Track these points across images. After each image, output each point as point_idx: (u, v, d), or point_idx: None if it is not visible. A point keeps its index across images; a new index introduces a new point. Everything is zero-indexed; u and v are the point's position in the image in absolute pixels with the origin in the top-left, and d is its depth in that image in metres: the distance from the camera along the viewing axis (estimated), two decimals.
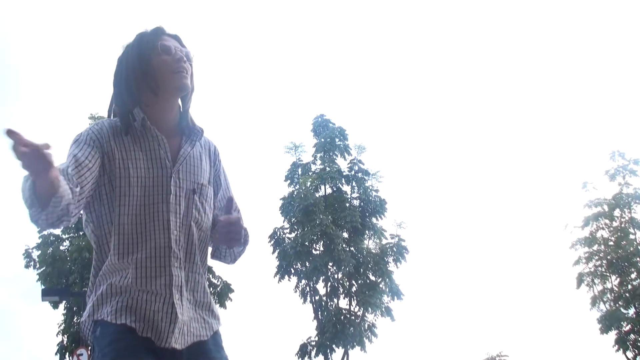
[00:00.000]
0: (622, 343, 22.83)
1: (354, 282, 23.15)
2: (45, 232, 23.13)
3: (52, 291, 18.31)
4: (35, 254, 22.76)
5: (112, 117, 2.46)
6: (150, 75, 2.36)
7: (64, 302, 21.86)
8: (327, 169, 23.68)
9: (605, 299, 23.85)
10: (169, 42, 2.42)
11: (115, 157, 2.29)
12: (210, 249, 2.54)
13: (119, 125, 2.36)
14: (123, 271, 2.23)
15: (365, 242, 23.52)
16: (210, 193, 2.46)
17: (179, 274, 2.28)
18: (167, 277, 2.24)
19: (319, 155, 24.18)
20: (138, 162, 2.31)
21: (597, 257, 24.29)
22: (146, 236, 2.25)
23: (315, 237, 22.66)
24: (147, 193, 2.29)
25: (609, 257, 23.89)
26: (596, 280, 24.19)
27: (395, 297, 22.71)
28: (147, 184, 2.30)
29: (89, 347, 2.44)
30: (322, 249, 22.82)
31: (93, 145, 2.27)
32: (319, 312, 22.71)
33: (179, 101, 2.47)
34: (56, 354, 22.73)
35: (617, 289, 23.82)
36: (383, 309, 22.60)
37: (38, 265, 22.56)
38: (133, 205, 2.27)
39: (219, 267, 24.26)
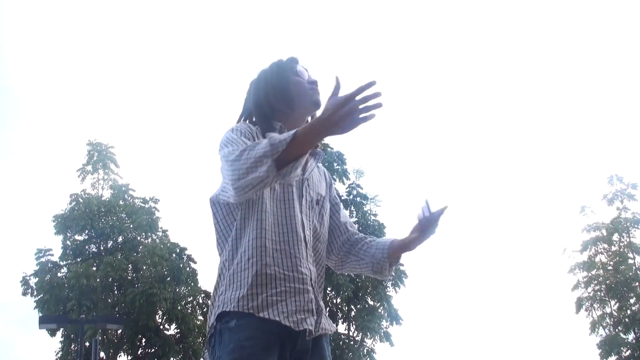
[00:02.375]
0: None
1: (352, 307, 23.10)
2: (43, 259, 23.10)
3: (50, 318, 18.18)
4: (33, 281, 22.71)
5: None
6: (287, 92, 2.62)
7: (61, 329, 21.78)
8: None
9: (604, 324, 23.77)
10: (302, 69, 2.70)
11: None
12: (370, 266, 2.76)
13: (259, 130, 2.54)
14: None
15: None
16: (328, 207, 2.69)
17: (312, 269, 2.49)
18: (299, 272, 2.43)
19: None
20: None
21: (596, 282, 24.24)
22: (285, 232, 2.43)
23: None
24: (285, 190, 2.48)
25: (607, 282, 23.85)
26: (595, 305, 24.13)
27: (394, 322, 22.65)
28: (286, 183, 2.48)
29: None
30: None
31: (250, 139, 2.42)
32: None
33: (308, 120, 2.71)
34: None
35: (616, 314, 23.74)
36: (382, 334, 22.52)
37: (35, 293, 22.49)
38: (273, 197, 2.45)
39: None
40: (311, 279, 2.43)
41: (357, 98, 2.10)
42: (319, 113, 2.48)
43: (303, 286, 2.37)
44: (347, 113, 2.09)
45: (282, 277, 2.34)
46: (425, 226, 2.71)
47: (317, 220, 2.58)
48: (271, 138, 2.17)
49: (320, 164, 2.73)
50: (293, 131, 2.16)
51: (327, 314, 2.51)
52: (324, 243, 2.61)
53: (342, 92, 2.14)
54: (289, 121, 2.61)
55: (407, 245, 2.75)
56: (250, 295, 2.28)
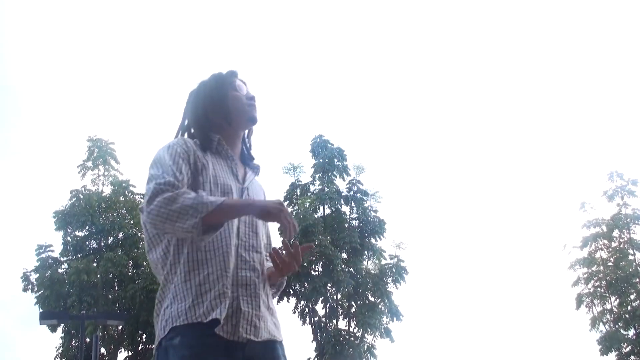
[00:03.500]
0: None
1: (353, 303, 23.09)
2: (43, 255, 23.12)
3: (50, 314, 18.21)
4: (34, 277, 22.71)
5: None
6: (225, 106, 2.70)
7: (62, 325, 21.79)
8: (326, 189, 23.70)
9: (604, 320, 23.78)
10: (240, 83, 2.79)
11: (199, 163, 2.53)
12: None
13: (196, 142, 2.62)
14: None
15: (365, 262, 23.49)
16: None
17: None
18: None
19: (317, 175, 24.20)
20: (218, 172, 2.58)
21: (596, 278, 24.25)
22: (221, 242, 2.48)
23: (314, 258, 22.63)
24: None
25: (608, 278, 23.85)
26: (596, 301, 24.14)
27: (395, 318, 22.64)
28: (226, 190, 2.55)
29: None
30: (321, 269, 22.78)
31: (185, 160, 2.51)
32: (318, 334, 22.62)
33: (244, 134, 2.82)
34: None
35: (616, 310, 23.75)
36: (382, 330, 22.52)
37: (36, 289, 22.50)
38: None
39: None
40: (247, 285, 2.47)
41: (287, 218, 2.38)
42: (254, 128, 2.80)
43: (238, 292, 2.43)
44: (273, 208, 2.38)
45: (222, 283, 2.40)
46: (285, 265, 2.61)
47: (252, 231, 2.60)
48: (201, 197, 2.31)
49: (257, 180, 2.81)
50: (221, 200, 2.33)
51: (276, 320, 2.59)
52: (260, 252, 2.61)
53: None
54: (226, 134, 2.71)
55: (272, 276, 2.70)
56: (195, 305, 2.35)
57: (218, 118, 2.69)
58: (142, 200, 24.53)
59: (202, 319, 2.32)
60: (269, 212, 2.38)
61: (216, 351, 2.32)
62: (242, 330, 2.37)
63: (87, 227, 23.54)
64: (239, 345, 2.36)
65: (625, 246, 24.29)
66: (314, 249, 22.83)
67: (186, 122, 2.77)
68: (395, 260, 23.24)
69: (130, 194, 24.48)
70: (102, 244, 23.95)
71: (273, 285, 2.70)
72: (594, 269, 24.38)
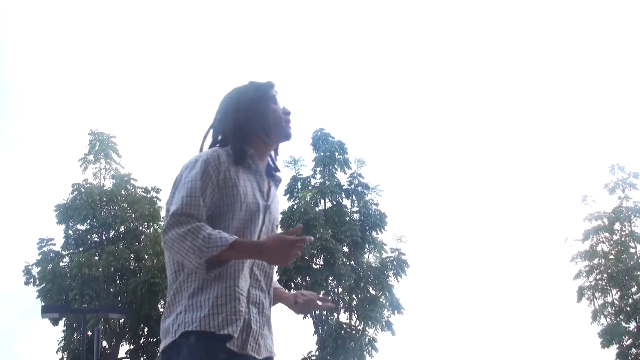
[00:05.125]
0: (623, 357, 22.75)
1: (354, 296, 23.12)
2: (45, 249, 23.16)
3: (52, 308, 18.25)
4: (35, 270, 22.73)
5: (203, 145, 2.78)
6: (267, 120, 2.69)
7: (63, 318, 21.81)
8: (327, 182, 23.70)
9: (606, 313, 23.79)
10: (278, 96, 2.79)
11: (232, 181, 2.56)
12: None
13: (229, 154, 2.63)
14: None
15: (366, 256, 23.51)
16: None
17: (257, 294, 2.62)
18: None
19: (318, 169, 24.19)
20: (247, 190, 2.59)
21: (597, 271, 24.25)
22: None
23: (315, 252, 22.64)
24: (247, 217, 2.58)
25: (609, 271, 23.85)
26: (597, 294, 24.14)
27: (396, 311, 22.67)
28: (252, 209, 2.59)
29: None
30: (322, 263, 22.80)
31: (215, 181, 2.54)
32: (319, 327, 22.66)
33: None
34: None
35: (617, 303, 23.76)
36: (383, 323, 22.54)
37: (38, 282, 22.53)
38: (236, 226, 2.54)
39: None
40: (257, 304, 2.58)
41: (291, 241, 2.40)
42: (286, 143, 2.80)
43: (250, 310, 2.54)
44: (282, 252, 2.41)
45: (238, 299, 2.49)
46: (303, 308, 2.83)
47: None
48: (211, 239, 2.36)
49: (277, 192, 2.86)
50: (231, 242, 2.36)
51: (273, 338, 2.69)
52: (269, 272, 2.69)
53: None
54: (258, 147, 2.71)
55: (283, 301, 2.87)
56: (211, 315, 2.43)
57: (256, 130, 2.69)
58: (143, 193, 24.49)
59: (216, 330, 2.41)
60: (274, 260, 2.48)
61: None
62: (249, 348, 2.49)
63: (88, 221, 23.54)
64: (242, 359, 2.48)
65: (627, 239, 24.28)
66: (314, 242, 22.89)
67: (219, 128, 2.76)
68: (397, 253, 23.26)
69: (131, 188, 24.47)
70: (104, 237, 23.96)
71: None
72: (595, 261, 24.38)
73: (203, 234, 2.36)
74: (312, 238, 2.61)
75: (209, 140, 2.81)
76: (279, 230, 2.74)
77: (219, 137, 2.75)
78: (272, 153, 2.84)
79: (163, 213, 24.48)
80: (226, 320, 2.43)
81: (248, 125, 2.68)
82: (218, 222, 2.51)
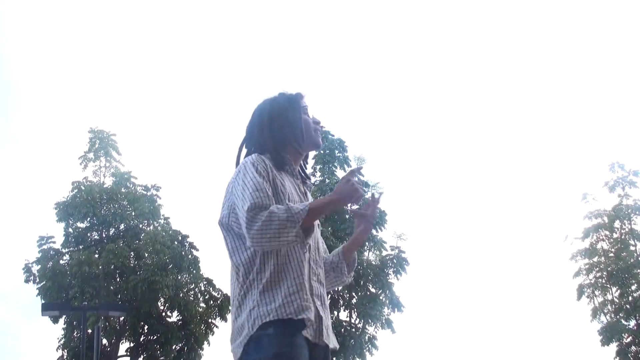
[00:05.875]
0: (623, 355, 22.75)
1: (354, 294, 23.12)
2: (45, 247, 23.16)
3: (52, 306, 18.24)
4: (35, 268, 22.74)
5: (239, 156, 2.93)
6: (300, 130, 2.87)
7: (64, 316, 21.82)
8: (327, 180, 23.70)
9: (605, 311, 23.77)
10: (307, 106, 2.97)
11: (277, 180, 2.73)
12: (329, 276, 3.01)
13: (270, 160, 2.79)
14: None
15: (365, 253, 23.49)
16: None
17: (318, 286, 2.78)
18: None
19: (318, 167, 24.20)
20: (292, 191, 2.79)
21: (597, 269, 24.23)
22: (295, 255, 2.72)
23: None
24: None
25: (609, 269, 23.84)
26: (597, 292, 24.13)
27: (396, 309, 22.67)
28: None
29: None
30: None
31: (267, 178, 2.71)
32: None
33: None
34: None
35: (617, 301, 23.76)
36: (383, 321, 22.55)
37: (38, 280, 22.53)
38: None
39: (220, 281, 24.26)
40: (319, 296, 2.74)
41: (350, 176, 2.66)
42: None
43: (314, 301, 2.69)
44: (350, 190, 2.64)
45: (306, 290, 2.66)
46: (369, 217, 2.95)
47: (316, 247, 2.85)
48: (290, 207, 2.55)
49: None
50: (307, 203, 2.59)
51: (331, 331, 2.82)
52: (322, 267, 2.87)
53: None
54: (292, 156, 2.89)
55: (356, 240, 3.02)
56: (285, 304, 2.58)
57: (289, 139, 2.85)
58: (143, 191, 24.41)
59: (293, 316, 2.56)
60: (348, 199, 2.66)
61: (304, 348, 2.56)
62: (323, 335, 2.66)
63: (88, 219, 23.57)
64: (313, 347, 2.62)
65: (627, 237, 24.27)
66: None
67: (255, 138, 2.89)
68: (396, 251, 23.25)
69: (131, 186, 24.48)
70: (104, 235, 23.98)
71: (348, 264, 2.98)
72: (595, 259, 24.36)
73: (282, 209, 2.55)
74: (359, 167, 3.09)
75: (243, 152, 2.96)
76: (319, 230, 2.91)
77: (253, 148, 2.89)
78: (302, 162, 3.00)
79: (163, 211, 24.58)
80: (301, 307, 2.58)
81: (282, 133, 2.85)
82: None
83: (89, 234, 23.79)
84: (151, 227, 24.16)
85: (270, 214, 2.51)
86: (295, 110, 2.90)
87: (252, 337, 2.55)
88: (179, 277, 23.35)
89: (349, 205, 2.73)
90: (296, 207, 2.55)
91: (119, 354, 23.00)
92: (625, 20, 47.05)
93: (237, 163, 2.90)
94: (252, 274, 2.64)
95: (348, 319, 22.88)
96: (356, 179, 2.70)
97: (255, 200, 2.55)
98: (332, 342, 2.73)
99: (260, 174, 2.65)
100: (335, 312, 22.88)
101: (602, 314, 23.77)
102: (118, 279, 23.25)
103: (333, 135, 24.51)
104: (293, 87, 3.00)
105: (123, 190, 24.16)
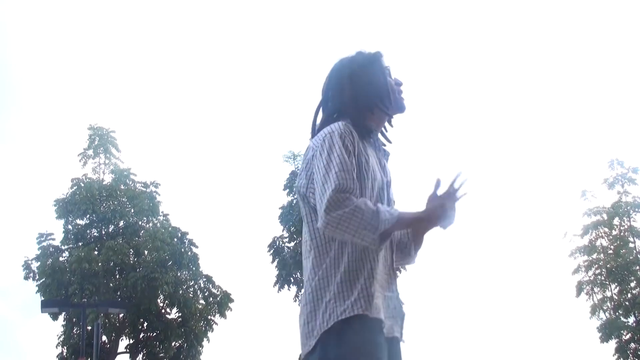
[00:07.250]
0: (622, 352, 22.78)
1: None
2: (44, 244, 23.17)
3: (52, 302, 18.28)
4: (35, 265, 22.75)
5: (316, 120, 2.68)
6: (387, 94, 2.62)
7: (63, 313, 21.85)
8: None
9: (605, 308, 23.79)
10: (389, 67, 2.70)
11: (362, 157, 2.50)
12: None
13: (353, 130, 2.52)
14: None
15: None
16: None
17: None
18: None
19: None
20: (374, 166, 2.57)
21: (596, 266, 24.24)
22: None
23: None
24: (376, 194, 2.54)
25: (608, 266, 23.85)
26: (596, 289, 24.14)
27: None
28: (380, 186, 2.57)
29: None
30: None
31: (353, 154, 2.47)
32: None
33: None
34: None
35: (616, 298, 23.77)
36: None
37: (37, 277, 22.53)
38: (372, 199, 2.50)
39: (219, 277, 24.27)
40: (390, 286, 2.67)
41: (451, 192, 2.59)
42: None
43: (388, 292, 2.63)
44: (443, 210, 2.55)
45: (377, 285, 2.53)
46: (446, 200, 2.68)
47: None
48: (381, 213, 2.36)
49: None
50: (397, 214, 2.42)
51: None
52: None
53: None
54: (375, 121, 2.65)
55: (419, 230, 2.76)
56: (361, 298, 2.43)
57: (376, 104, 2.61)
58: (142, 188, 24.45)
59: (369, 313, 2.42)
60: (435, 223, 2.58)
61: (384, 347, 2.46)
62: (395, 330, 2.58)
63: (88, 216, 23.56)
64: (389, 341, 2.52)
65: (626, 234, 24.27)
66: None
67: (334, 101, 2.64)
68: None
69: (131, 182, 24.47)
70: (103, 232, 23.97)
71: (417, 246, 2.80)
72: (594, 256, 24.37)
73: (369, 210, 2.35)
74: (462, 173, 2.73)
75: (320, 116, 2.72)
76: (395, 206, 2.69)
77: (332, 112, 2.64)
78: (383, 127, 2.75)
79: (162, 208, 24.59)
80: (376, 305, 2.47)
81: (365, 93, 2.60)
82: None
83: (88, 231, 23.79)
84: (150, 224, 24.18)
85: (355, 209, 2.33)
86: (377, 70, 2.63)
87: (330, 330, 2.42)
88: (179, 274, 23.36)
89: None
90: (384, 216, 2.36)
91: (119, 350, 23.03)
92: (623, 18, 47.03)
93: (313, 127, 2.67)
94: (327, 261, 2.50)
95: None
96: (452, 202, 2.59)
97: (341, 182, 2.35)
98: (404, 336, 2.66)
99: (347, 149, 2.43)
100: None
101: (601, 311, 23.78)
102: (117, 276, 23.25)
103: None
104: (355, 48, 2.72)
105: (122, 187, 24.16)
